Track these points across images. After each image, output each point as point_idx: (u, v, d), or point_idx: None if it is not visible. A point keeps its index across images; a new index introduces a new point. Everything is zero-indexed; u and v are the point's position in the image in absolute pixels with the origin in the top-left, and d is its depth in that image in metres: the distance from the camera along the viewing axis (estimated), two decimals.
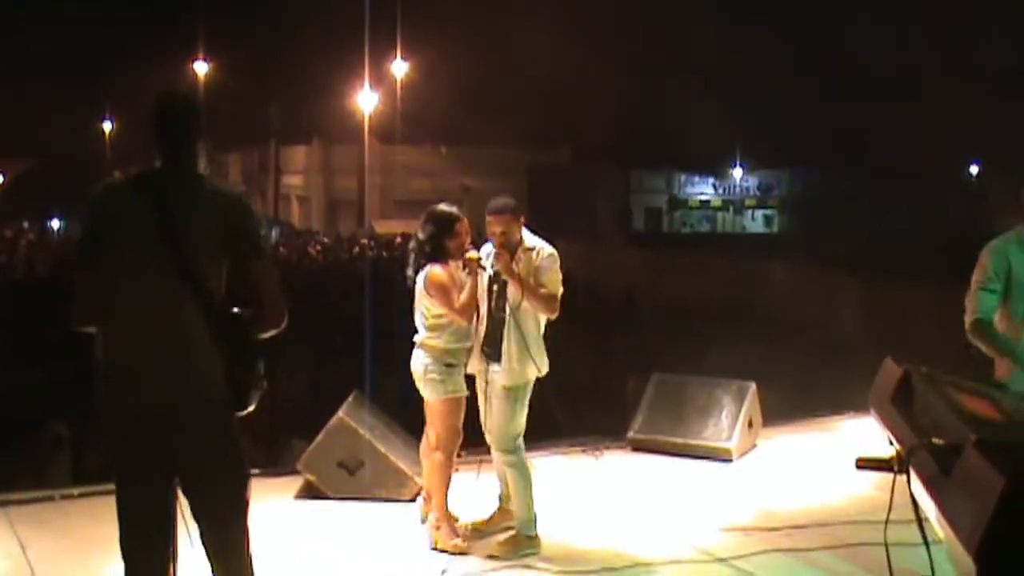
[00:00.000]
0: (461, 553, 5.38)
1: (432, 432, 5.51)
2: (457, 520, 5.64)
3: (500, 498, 5.80)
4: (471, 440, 5.76)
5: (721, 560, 5.42)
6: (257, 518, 3.62)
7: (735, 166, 51.39)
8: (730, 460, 7.36)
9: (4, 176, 45.53)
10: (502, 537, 5.55)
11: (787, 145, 44.12)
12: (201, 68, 37.42)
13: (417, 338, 5.45)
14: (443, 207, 5.52)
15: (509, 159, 40.89)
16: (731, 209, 53.19)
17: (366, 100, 32.45)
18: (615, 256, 27.62)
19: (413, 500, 6.18)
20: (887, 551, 2.63)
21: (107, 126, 48.44)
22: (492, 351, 5.43)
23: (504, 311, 5.37)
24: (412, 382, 5.48)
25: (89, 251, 3.37)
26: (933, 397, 2.59)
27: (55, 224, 35.50)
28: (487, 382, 5.49)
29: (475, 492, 5.88)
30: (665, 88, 41.18)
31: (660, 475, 7.12)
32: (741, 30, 42.97)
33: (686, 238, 46.49)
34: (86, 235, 3.42)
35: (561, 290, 5.41)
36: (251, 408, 3.40)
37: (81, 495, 6.35)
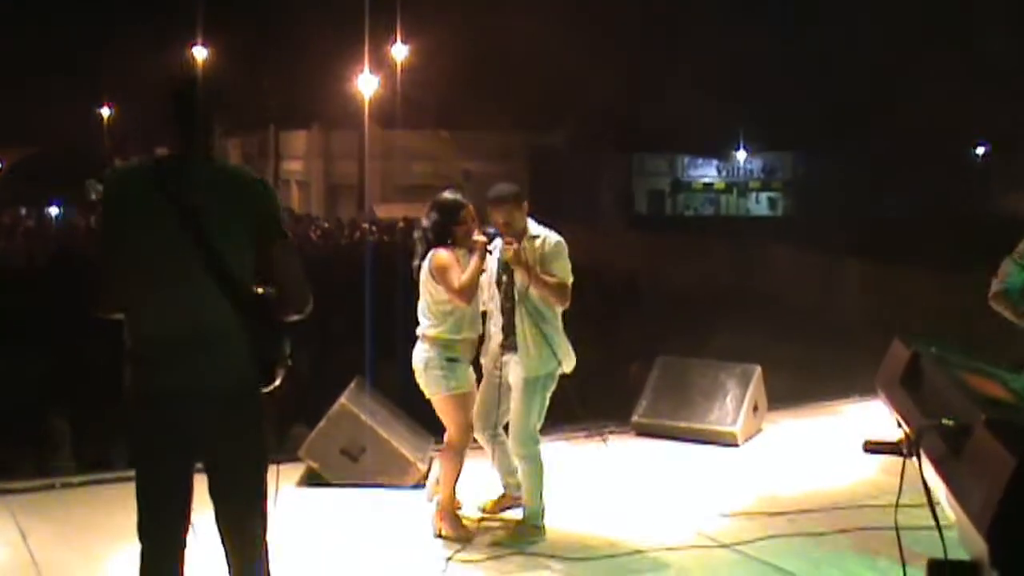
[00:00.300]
0: (465, 541, 5.38)
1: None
2: (460, 507, 5.63)
3: (504, 486, 5.79)
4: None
5: (726, 546, 5.42)
6: None
7: (739, 148, 51.27)
8: (735, 444, 7.36)
9: (1, 163, 45.52)
10: (508, 525, 5.54)
11: (791, 126, 43.97)
12: (200, 53, 37.34)
13: (419, 329, 5.42)
14: (447, 195, 5.49)
15: (510, 143, 40.84)
16: (735, 192, 53.11)
17: (366, 84, 32.40)
18: (617, 240, 27.59)
19: (417, 486, 6.18)
20: (898, 535, 2.61)
21: (105, 112, 48.47)
22: (509, 343, 5.40)
23: (513, 300, 5.34)
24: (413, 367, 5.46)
25: (110, 237, 3.39)
26: (942, 378, 2.58)
27: (53, 211, 35.47)
28: (501, 376, 5.46)
29: (486, 479, 5.83)
30: (668, 69, 41.06)
31: (664, 460, 7.12)
32: (743, 9, 42.84)
33: (689, 221, 46.45)
34: (106, 222, 3.44)
35: (571, 278, 5.37)
36: (276, 384, 3.45)
37: (82, 484, 6.38)
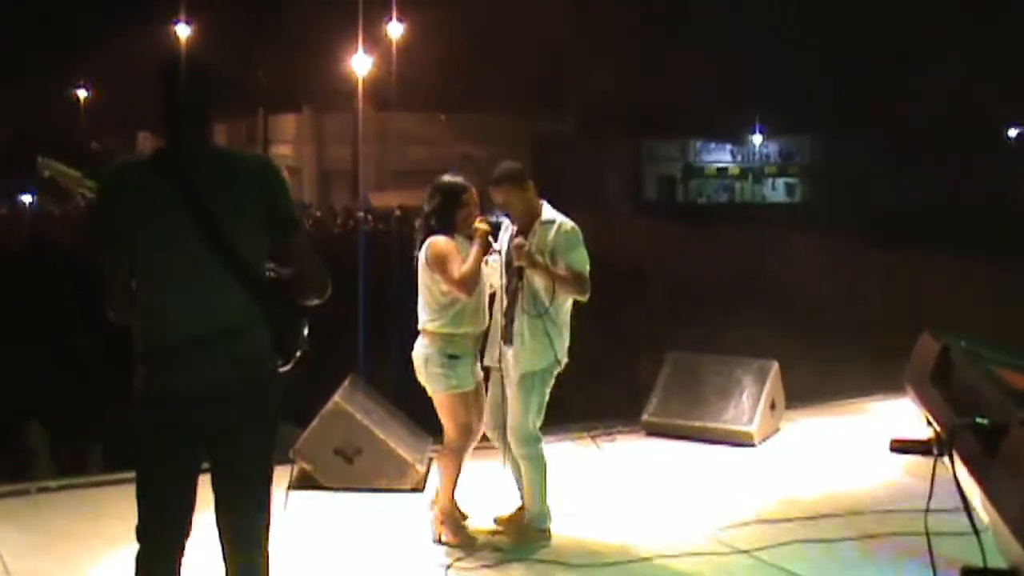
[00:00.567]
0: (466, 547, 5.37)
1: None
2: (467, 519, 5.60)
3: (519, 490, 5.74)
4: None
5: (742, 552, 5.40)
6: None
7: (754, 131, 51.24)
8: (751, 445, 7.35)
9: None
10: (511, 530, 5.53)
11: (810, 108, 43.89)
12: (183, 31, 37.34)
13: (419, 323, 5.40)
14: (448, 178, 5.46)
15: (512, 127, 40.81)
16: (750, 178, 53.09)
17: (360, 64, 32.35)
18: (626, 228, 27.56)
19: (415, 490, 6.17)
20: (928, 541, 2.60)
21: (82, 94, 48.42)
22: (507, 334, 5.39)
23: (515, 288, 5.31)
24: (411, 364, 5.45)
25: (114, 237, 3.38)
26: (975, 374, 2.56)
27: (26, 199, 35.43)
28: (502, 369, 5.44)
29: (495, 485, 5.78)
30: (678, 47, 40.98)
31: (676, 461, 7.11)
32: None
33: (702, 209, 46.45)
34: (107, 221, 3.42)
35: (588, 267, 5.31)
36: (290, 366, 3.53)
37: (59, 488, 6.35)
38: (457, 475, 5.47)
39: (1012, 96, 38.42)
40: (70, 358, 10.33)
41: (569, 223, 5.35)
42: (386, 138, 41.75)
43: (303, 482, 6.33)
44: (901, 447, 2.67)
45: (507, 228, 5.44)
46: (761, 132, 51.29)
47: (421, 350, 5.34)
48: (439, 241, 5.24)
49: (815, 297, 17.82)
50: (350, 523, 5.82)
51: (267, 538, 3.55)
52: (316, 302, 3.56)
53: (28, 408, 9.47)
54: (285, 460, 6.46)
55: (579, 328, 5.50)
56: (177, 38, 37.79)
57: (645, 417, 7.72)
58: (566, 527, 5.61)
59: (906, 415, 2.96)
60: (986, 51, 35.53)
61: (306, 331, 3.58)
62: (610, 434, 7.49)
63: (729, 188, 53.56)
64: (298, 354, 3.55)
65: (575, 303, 5.42)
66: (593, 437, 7.37)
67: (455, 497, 5.51)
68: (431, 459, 6.23)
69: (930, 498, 2.60)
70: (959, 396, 2.58)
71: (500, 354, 5.44)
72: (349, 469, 6.31)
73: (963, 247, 17.54)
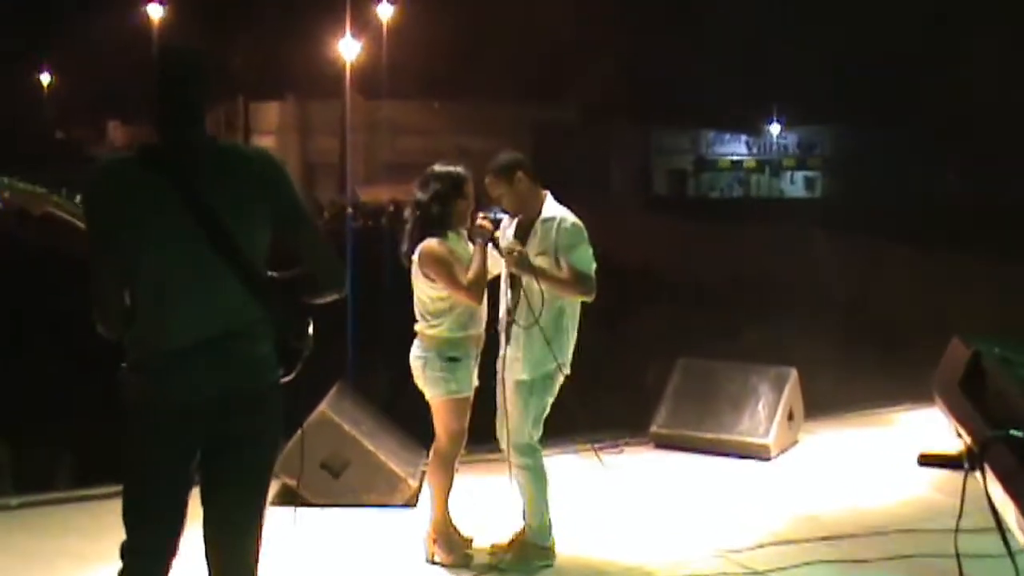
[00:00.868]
0: (462, 566, 5.37)
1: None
2: (471, 541, 5.60)
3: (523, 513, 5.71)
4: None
5: (758, 573, 5.40)
6: None
7: (771, 122, 51.29)
8: (768, 458, 7.36)
9: None
10: (510, 546, 5.52)
11: (831, 97, 43.89)
12: (156, 11, 37.36)
13: (416, 327, 5.39)
14: (443, 166, 5.41)
15: (511, 116, 40.87)
16: (767, 171, 53.15)
17: (347, 49, 32.36)
18: (633, 225, 27.61)
19: (407, 505, 6.17)
20: (959, 562, 2.60)
21: (45, 79, 48.34)
22: (506, 335, 5.39)
23: (518, 288, 5.30)
24: (405, 370, 5.44)
25: (106, 242, 3.35)
26: (1009, 382, 2.56)
27: None
28: (501, 374, 5.43)
29: (502, 502, 5.73)
30: (690, 35, 41.05)
31: (687, 475, 7.12)
32: None
33: (715, 204, 46.51)
34: (97, 225, 3.39)
35: (593, 266, 5.29)
36: (293, 375, 3.55)
37: (21, 506, 6.33)
38: (449, 487, 5.46)
39: None
40: (35, 366, 10.33)
41: (571, 219, 5.32)
42: (376, 128, 41.83)
43: (285, 498, 6.31)
44: (929, 461, 2.68)
45: (508, 224, 5.42)
46: (779, 122, 51.33)
47: (419, 353, 5.34)
48: (433, 245, 5.19)
49: (837, 300, 17.87)
50: (337, 542, 5.81)
51: (257, 555, 3.52)
52: (334, 296, 3.59)
53: None
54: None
55: (582, 333, 5.50)
56: (149, 19, 37.83)
57: (654, 428, 7.73)
58: (569, 545, 5.61)
59: (934, 427, 2.96)
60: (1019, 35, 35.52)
61: (311, 331, 3.60)
62: (616, 446, 7.50)
63: (744, 182, 53.62)
64: (302, 359, 3.57)
65: (584, 303, 5.41)
66: (598, 449, 7.36)
67: (448, 512, 5.51)
68: (424, 473, 6.23)
69: (960, 516, 2.59)
70: (992, 406, 2.58)
71: (501, 354, 5.44)
72: (336, 484, 6.31)
73: (1000, 248, 17.55)
